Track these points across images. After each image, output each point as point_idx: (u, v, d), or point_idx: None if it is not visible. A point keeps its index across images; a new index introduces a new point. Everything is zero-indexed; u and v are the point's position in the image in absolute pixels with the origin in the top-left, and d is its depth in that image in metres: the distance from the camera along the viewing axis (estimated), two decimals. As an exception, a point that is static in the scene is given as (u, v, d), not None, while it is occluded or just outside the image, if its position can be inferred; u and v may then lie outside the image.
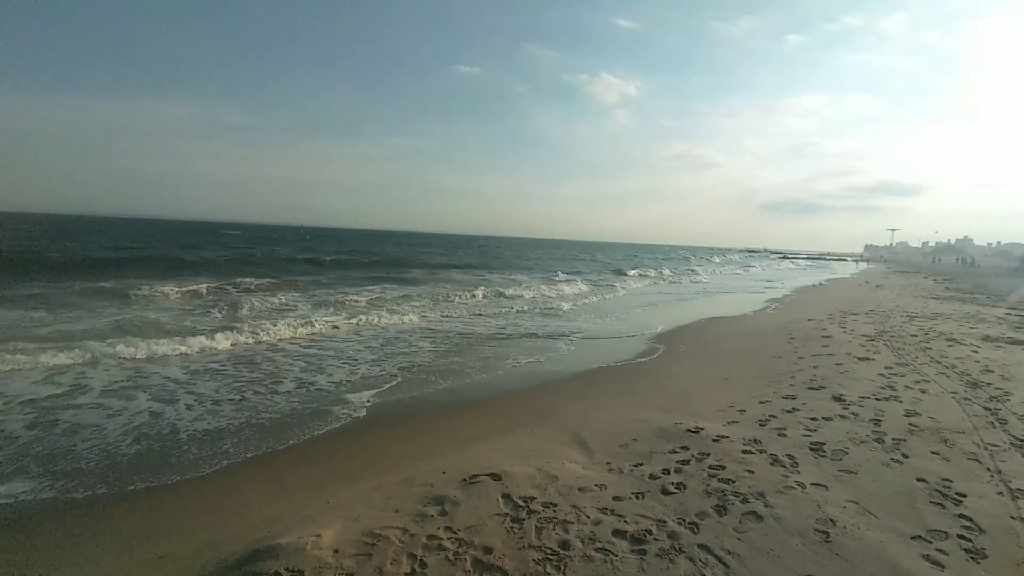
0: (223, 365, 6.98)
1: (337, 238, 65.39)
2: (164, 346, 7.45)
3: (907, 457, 3.87)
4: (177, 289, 13.09)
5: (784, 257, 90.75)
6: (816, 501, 3.18)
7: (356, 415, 5.46)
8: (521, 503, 3.15)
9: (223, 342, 7.97)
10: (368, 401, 5.84)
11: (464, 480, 3.53)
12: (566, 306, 14.44)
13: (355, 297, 13.35)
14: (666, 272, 32.57)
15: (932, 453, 3.94)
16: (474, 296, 15.18)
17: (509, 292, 16.55)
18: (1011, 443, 4.10)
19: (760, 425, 4.65)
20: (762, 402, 5.43)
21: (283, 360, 7.38)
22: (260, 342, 8.33)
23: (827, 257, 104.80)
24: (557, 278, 23.53)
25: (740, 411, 5.11)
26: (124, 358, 6.96)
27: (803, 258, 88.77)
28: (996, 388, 5.64)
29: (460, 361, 7.74)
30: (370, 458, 4.31)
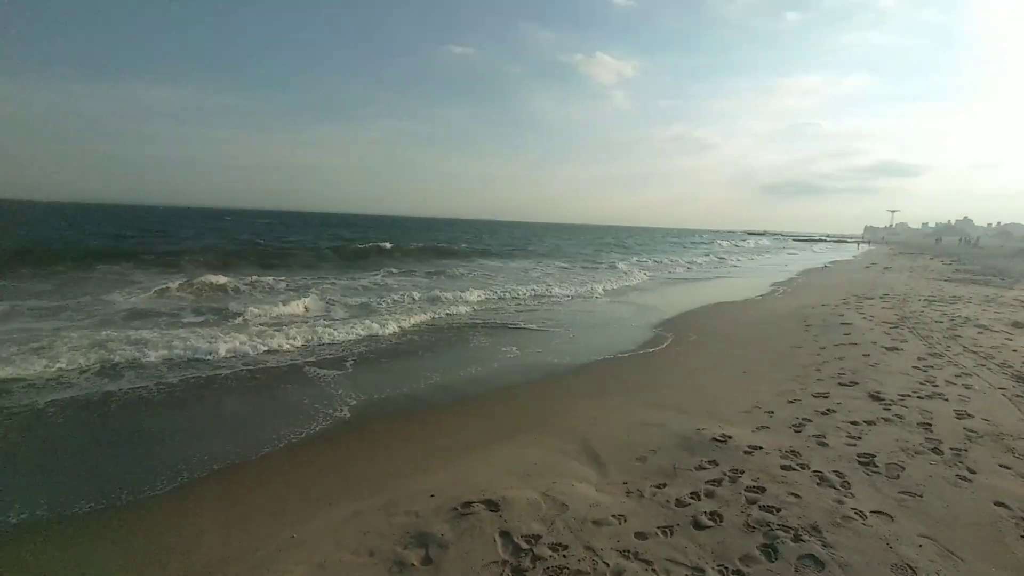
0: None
1: (328, 223, 63.16)
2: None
3: (974, 473, 3.31)
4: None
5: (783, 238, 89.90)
6: (883, 537, 2.61)
7: (338, 415, 4.89)
8: (524, 544, 2.56)
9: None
10: (352, 399, 5.26)
11: (455, 509, 2.95)
12: (599, 288, 13.77)
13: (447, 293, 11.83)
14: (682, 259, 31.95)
15: (1002, 467, 3.38)
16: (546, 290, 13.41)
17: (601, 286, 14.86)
18: (1090, 453, 3.55)
19: (795, 431, 4.08)
20: (791, 401, 4.86)
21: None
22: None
23: (828, 239, 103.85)
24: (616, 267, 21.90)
25: (768, 413, 4.54)
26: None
27: (806, 240, 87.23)
28: (1048, 383, 5.09)
29: (454, 353, 7.15)
30: (349, 473, 3.72)
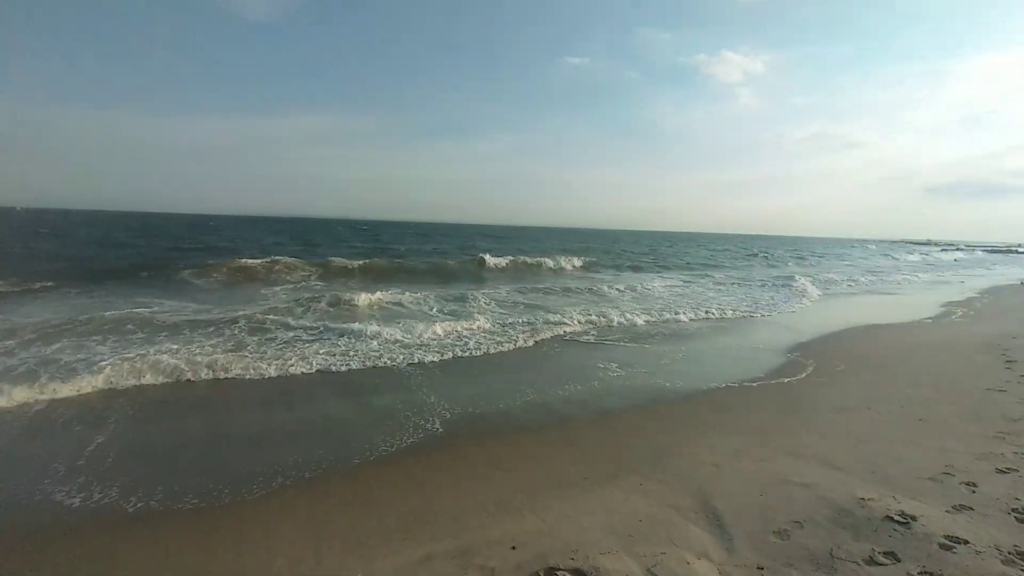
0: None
1: (461, 233, 65.26)
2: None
3: None
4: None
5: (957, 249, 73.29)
6: None
7: (431, 427, 4.70)
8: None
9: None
10: (447, 411, 5.06)
11: (537, 574, 2.45)
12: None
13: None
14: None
15: None
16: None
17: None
18: None
19: (1017, 519, 2.91)
20: (1002, 471, 3.58)
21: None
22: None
23: (1019, 249, 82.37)
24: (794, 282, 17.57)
25: (968, 485, 3.35)
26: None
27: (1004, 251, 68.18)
28: None
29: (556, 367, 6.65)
30: (431, 500, 3.42)
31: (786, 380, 6.27)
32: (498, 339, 8.06)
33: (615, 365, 6.88)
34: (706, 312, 11.34)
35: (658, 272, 23.62)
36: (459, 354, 7.30)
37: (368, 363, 6.69)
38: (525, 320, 9.54)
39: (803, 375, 6.48)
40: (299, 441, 4.46)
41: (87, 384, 5.47)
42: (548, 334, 8.71)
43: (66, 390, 5.31)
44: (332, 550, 2.89)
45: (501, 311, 10.71)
